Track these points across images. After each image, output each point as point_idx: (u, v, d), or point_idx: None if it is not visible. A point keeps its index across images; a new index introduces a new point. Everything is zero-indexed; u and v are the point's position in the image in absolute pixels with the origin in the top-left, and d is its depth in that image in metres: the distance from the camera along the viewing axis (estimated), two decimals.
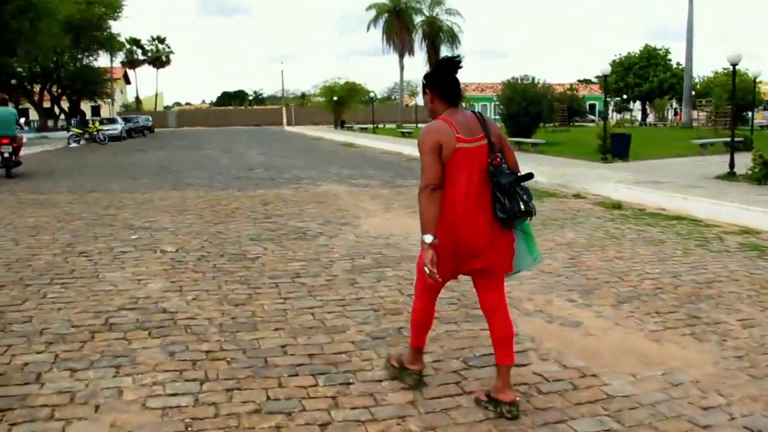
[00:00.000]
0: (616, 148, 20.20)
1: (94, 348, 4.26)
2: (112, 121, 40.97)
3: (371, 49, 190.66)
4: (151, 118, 55.37)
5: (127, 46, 58.96)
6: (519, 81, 29.91)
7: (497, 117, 30.01)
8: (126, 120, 44.03)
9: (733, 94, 14.74)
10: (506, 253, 3.42)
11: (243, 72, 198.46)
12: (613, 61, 70.75)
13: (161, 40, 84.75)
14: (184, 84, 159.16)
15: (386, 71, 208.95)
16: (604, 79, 22.19)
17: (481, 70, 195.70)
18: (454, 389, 3.71)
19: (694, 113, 48.25)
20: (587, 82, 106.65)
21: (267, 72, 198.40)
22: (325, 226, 8.86)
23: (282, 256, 7.07)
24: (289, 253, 7.18)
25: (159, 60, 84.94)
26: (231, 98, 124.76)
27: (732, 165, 13.88)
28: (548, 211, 10.17)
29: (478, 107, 24.40)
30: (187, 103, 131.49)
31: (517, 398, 3.46)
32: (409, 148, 24.12)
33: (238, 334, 4.57)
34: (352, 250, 7.36)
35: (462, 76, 3.40)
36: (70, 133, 33.43)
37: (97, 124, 35.27)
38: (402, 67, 57.03)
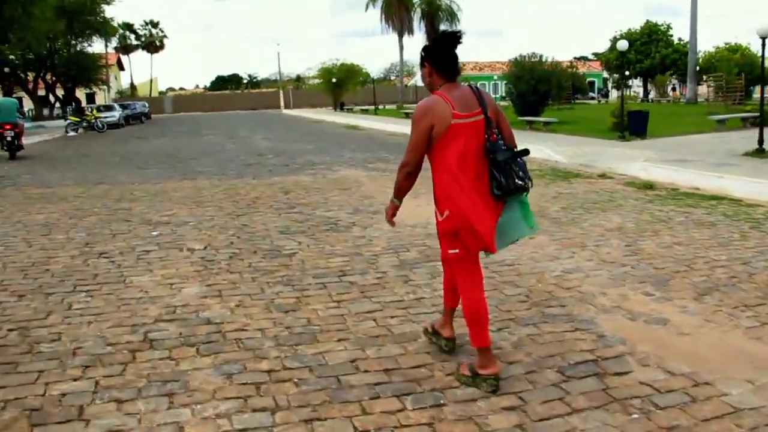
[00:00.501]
0: (633, 125, 19.63)
1: (138, 371, 3.70)
2: (109, 108, 40.16)
3: (365, 30, 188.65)
4: (147, 105, 54.50)
5: (120, 31, 57.64)
6: (527, 59, 29.20)
7: (498, 96, 29.50)
8: (123, 107, 43.18)
9: (762, 67, 14.14)
10: (493, 223, 3.40)
11: (236, 55, 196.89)
12: (614, 37, 69.87)
13: (155, 25, 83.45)
14: (177, 69, 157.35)
15: (381, 52, 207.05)
16: (621, 55, 21.48)
17: (477, 49, 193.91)
18: (560, 407, 3.22)
19: (699, 89, 47.64)
20: (584, 59, 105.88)
21: (260, 55, 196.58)
22: (355, 216, 8.32)
23: (320, 251, 6.52)
24: (327, 248, 6.64)
25: (153, 45, 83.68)
26: (225, 82, 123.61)
27: (761, 141, 13.38)
28: (581, 193, 9.72)
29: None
30: (181, 88, 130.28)
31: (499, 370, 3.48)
32: (406, 128, 23.44)
33: (297, 347, 4.02)
34: (394, 242, 6.83)
35: (460, 54, 3.32)
36: (68, 121, 32.68)
37: (95, 111, 34.48)
38: (401, 47, 56.15)
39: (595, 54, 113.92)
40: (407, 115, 37.00)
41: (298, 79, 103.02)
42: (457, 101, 3.23)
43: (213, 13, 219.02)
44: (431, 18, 55.95)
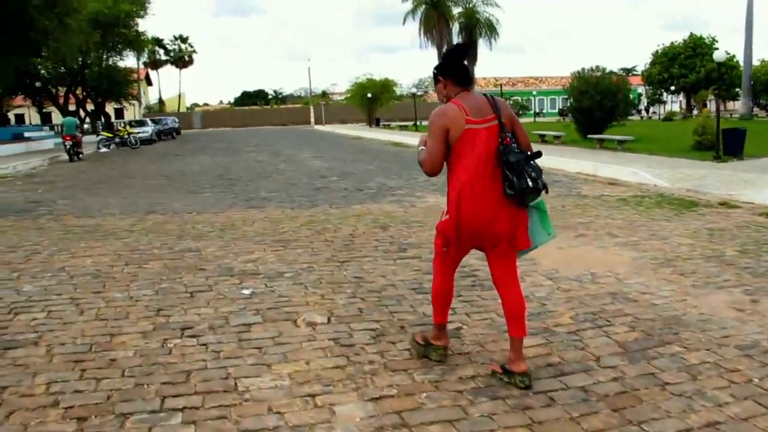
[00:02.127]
0: (728, 144, 17.44)
1: None
2: (141, 123, 38.71)
3: (389, 46, 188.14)
4: (177, 120, 53.19)
5: (150, 45, 56.41)
6: (590, 72, 27.19)
7: (549, 111, 27.41)
8: (155, 122, 41.74)
9: None
10: (520, 228, 3.52)
11: (260, 71, 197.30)
12: (656, 51, 67.59)
13: (184, 40, 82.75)
14: (202, 84, 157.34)
15: (405, 67, 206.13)
16: (717, 67, 19.26)
17: (501, 65, 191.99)
18: None
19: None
20: (612, 73, 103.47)
21: (285, 71, 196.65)
22: None
23: (487, 324, 4.59)
24: (495, 318, 4.65)
25: (182, 60, 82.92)
26: (251, 98, 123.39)
27: None
28: (733, 228, 7.86)
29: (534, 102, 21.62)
30: (205, 104, 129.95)
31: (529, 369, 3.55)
32: None
33: None
34: (573, 306, 5.00)
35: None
36: (100, 137, 31.12)
37: (128, 127, 32.91)
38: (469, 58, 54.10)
39: (624, 69, 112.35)
40: None
41: (324, 94, 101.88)
42: (470, 108, 3.38)
43: (237, 29, 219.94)
44: (470, 31, 54.08)
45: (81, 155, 24.12)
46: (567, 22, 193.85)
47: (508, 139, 3.41)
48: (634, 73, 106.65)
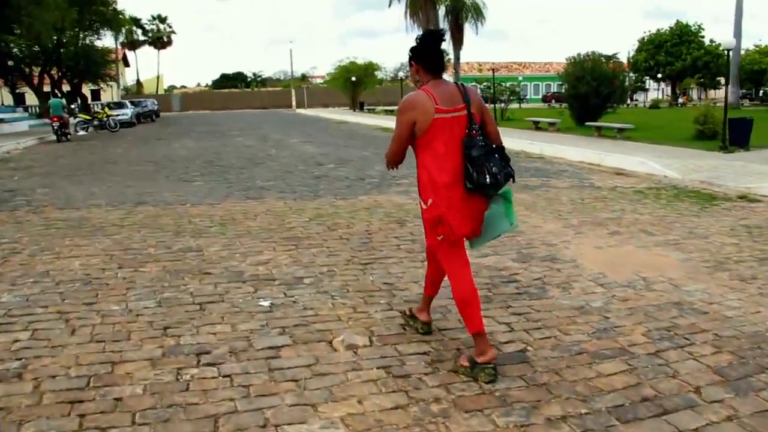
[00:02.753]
0: (735, 134, 16.90)
1: None
2: (120, 105, 37.43)
3: (369, 31, 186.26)
4: (157, 102, 51.78)
5: (128, 25, 54.57)
6: (585, 58, 26.54)
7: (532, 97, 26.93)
8: (133, 104, 40.39)
9: None
10: (476, 219, 3.53)
11: (239, 54, 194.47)
12: (642, 38, 67.13)
13: (162, 20, 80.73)
14: (180, 67, 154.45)
15: (386, 52, 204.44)
16: (727, 54, 18.67)
17: (484, 51, 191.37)
18: None
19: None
20: (607, 58, 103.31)
21: (263, 54, 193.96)
22: (530, 265, 5.78)
23: (554, 343, 3.94)
24: (561, 336, 4.04)
25: (160, 40, 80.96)
26: (229, 80, 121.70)
27: None
28: (749, 226, 7.30)
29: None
30: (182, 86, 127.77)
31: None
32: None
33: None
34: (640, 319, 4.41)
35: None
36: (78, 119, 29.84)
37: (107, 109, 31.66)
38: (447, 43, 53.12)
39: (605, 56, 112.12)
40: None
41: (304, 78, 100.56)
42: (440, 96, 3.36)
43: (215, 12, 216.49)
44: (456, 15, 53.17)
45: (69, 135, 24.92)
46: (548, 8, 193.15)
47: (474, 131, 3.40)
48: (615, 59, 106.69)
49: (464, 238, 3.62)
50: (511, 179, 3.45)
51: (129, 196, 9.75)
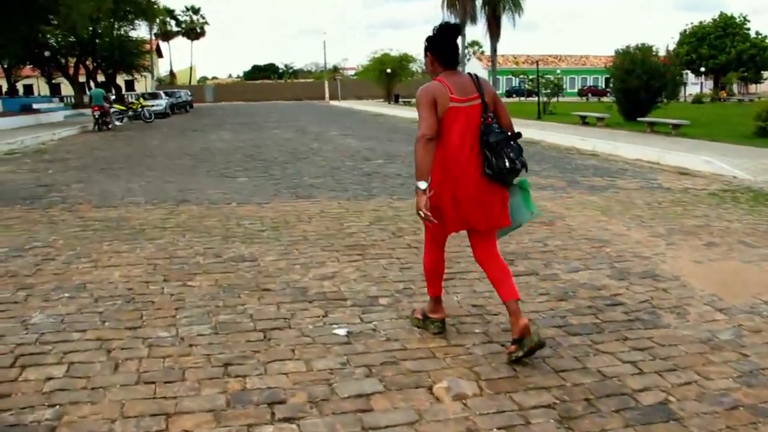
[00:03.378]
0: None
1: None
2: (154, 96, 37.03)
3: (399, 22, 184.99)
4: (190, 93, 51.50)
5: (163, 15, 54.31)
6: (635, 50, 25.34)
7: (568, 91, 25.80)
8: (167, 95, 40.03)
9: None
10: (501, 207, 3.55)
11: (269, 45, 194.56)
12: (684, 31, 65.21)
13: (196, 11, 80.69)
14: (211, 57, 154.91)
15: (416, 43, 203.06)
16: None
17: (514, 43, 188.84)
18: None
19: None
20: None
21: (293, 45, 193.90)
22: (634, 285, 4.98)
23: (699, 390, 3.18)
24: (704, 382, 3.29)
25: (194, 31, 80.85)
26: (261, 71, 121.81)
27: None
28: None
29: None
30: (213, 77, 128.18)
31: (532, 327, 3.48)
32: (523, 130, 19.80)
33: None
34: None
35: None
36: (113, 109, 29.42)
37: (141, 99, 31.26)
38: (463, 36, 52.03)
39: (638, 49, 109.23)
40: None
41: (335, 69, 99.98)
42: (454, 86, 3.41)
43: (245, 3, 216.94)
44: (494, 6, 51.88)
45: (110, 125, 25.12)
46: (581, 1, 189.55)
47: (489, 119, 3.46)
48: (667, 52, 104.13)
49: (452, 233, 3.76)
50: (525, 168, 3.50)
51: (170, 193, 9.06)
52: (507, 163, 3.38)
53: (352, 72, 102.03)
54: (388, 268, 5.33)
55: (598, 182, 10.10)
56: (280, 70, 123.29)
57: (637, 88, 23.32)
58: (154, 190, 9.32)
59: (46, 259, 5.67)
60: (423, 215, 3.35)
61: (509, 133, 3.47)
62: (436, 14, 53.25)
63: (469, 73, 3.56)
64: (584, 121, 24.32)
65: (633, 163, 12.62)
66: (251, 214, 7.59)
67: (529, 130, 20.00)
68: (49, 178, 10.72)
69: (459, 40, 3.62)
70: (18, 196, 8.98)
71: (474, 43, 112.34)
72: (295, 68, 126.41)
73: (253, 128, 24.36)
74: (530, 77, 42.51)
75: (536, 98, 30.10)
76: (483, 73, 53.03)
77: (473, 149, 3.43)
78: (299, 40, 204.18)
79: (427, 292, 3.98)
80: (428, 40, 3.56)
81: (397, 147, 15.95)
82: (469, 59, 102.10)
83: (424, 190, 3.36)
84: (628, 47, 25.98)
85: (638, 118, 22.12)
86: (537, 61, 34.54)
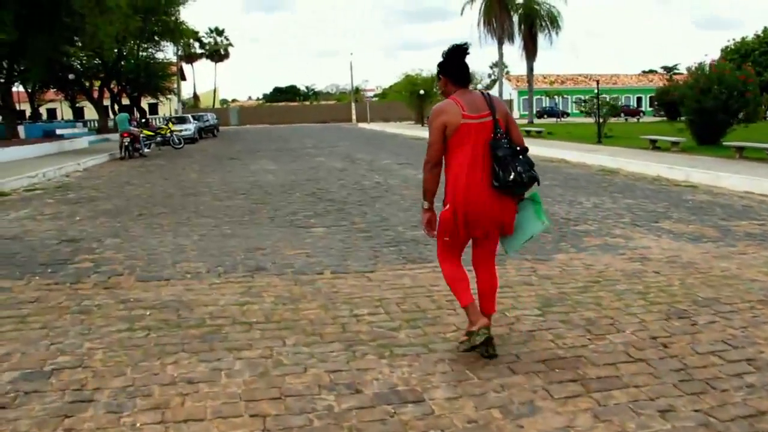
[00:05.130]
0: None
1: None
2: (182, 120, 35.15)
3: (417, 44, 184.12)
4: (216, 117, 49.75)
5: (192, 35, 52.64)
6: (711, 67, 23.02)
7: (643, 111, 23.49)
8: (195, 118, 38.17)
9: None
10: (508, 217, 3.79)
11: (288, 67, 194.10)
12: (726, 47, 62.49)
13: (220, 33, 79.46)
14: (231, 80, 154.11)
15: (433, 64, 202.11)
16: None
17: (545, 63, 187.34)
18: None
19: None
20: (652, 72, 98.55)
21: (312, 67, 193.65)
22: None
23: None
24: None
25: (217, 53, 79.55)
26: (282, 93, 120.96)
27: None
28: None
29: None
30: (233, 99, 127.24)
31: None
32: (580, 155, 17.49)
33: None
34: None
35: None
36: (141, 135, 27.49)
37: (171, 124, 29.33)
38: (501, 55, 50.07)
39: (665, 67, 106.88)
40: (538, 134, 30.96)
41: (357, 91, 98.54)
42: (467, 104, 3.64)
43: (262, 25, 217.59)
44: (530, 24, 49.88)
45: (141, 152, 23.63)
46: (596, 19, 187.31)
47: (500, 135, 3.66)
48: (677, 71, 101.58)
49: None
50: (536, 182, 3.68)
51: (236, 255, 6.82)
52: (512, 176, 3.57)
53: (372, 94, 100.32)
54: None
55: (749, 227, 7.86)
56: (302, 92, 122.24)
57: (713, 108, 20.98)
58: (214, 250, 7.08)
59: (78, 401, 3.43)
60: (426, 232, 3.91)
61: (518, 148, 3.68)
62: (472, 33, 51.29)
63: (481, 92, 3.82)
64: (654, 146, 21.98)
65: (750, 198, 10.38)
66: (362, 294, 5.33)
67: (597, 157, 17.73)
68: (76, 229, 8.52)
69: (467, 59, 3.77)
70: (37, 259, 6.77)
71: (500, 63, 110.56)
72: (316, 90, 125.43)
73: (294, 155, 22.23)
74: (577, 97, 40.19)
75: (578, 119, 27.90)
76: (513, 94, 50.60)
77: (484, 163, 3.64)
78: (317, 61, 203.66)
79: (459, 305, 3.96)
80: (440, 64, 3.79)
81: None
82: (495, 80, 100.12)
83: (427, 209, 3.84)
84: (701, 64, 23.72)
85: (723, 142, 19.82)
86: (597, 81, 32.14)
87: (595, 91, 51.71)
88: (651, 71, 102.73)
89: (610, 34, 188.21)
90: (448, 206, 3.70)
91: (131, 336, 4.43)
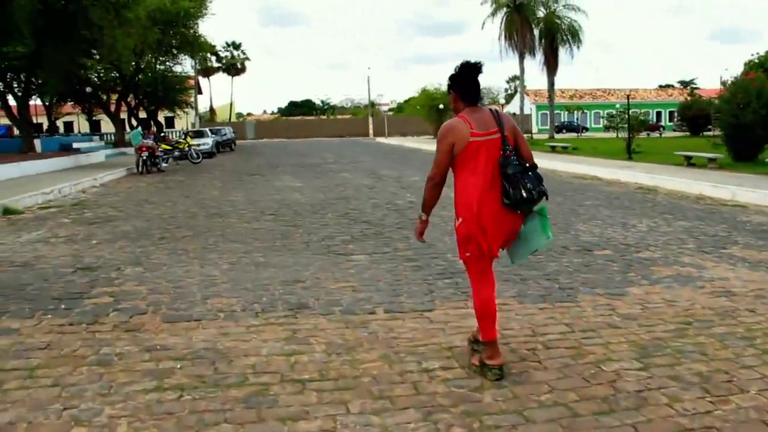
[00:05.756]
0: None
1: None
2: (200, 134, 34.59)
3: (428, 57, 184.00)
4: (233, 130, 49.27)
5: (210, 48, 52.22)
6: (750, 80, 22.10)
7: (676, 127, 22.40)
8: (213, 132, 37.62)
9: None
10: (512, 235, 3.87)
11: (301, 81, 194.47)
12: (749, 61, 61.47)
13: (236, 46, 79.32)
14: (246, 94, 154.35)
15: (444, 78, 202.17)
16: None
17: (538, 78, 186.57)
18: None
19: None
20: (669, 86, 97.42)
21: (325, 80, 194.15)
22: None
23: None
24: None
25: (234, 67, 79.33)
26: (297, 107, 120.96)
27: None
28: None
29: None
30: (248, 113, 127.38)
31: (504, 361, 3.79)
32: (613, 172, 16.62)
33: None
34: None
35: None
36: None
37: (189, 138, 28.74)
38: (522, 70, 49.22)
39: (682, 82, 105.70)
40: (565, 149, 30.09)
41: (372, 105, 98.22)
42: (475, 122, 3.68)
43: (280, 40, 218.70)
44: (552, 38, 49.06)
45: (159, 167, 22.95)
46: (607, 31, 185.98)
47: (509, 152, 3.69)
48: (694, 85, 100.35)
49: (494, 258, 3.86)
50: (545, 197, 3.71)
51: (273, 289, 6.02)
52: (524, 194, 3.62)
53: (386, 108, 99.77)
54: None
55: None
56: (317, 106, 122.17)
57: (751, 123, 20.07)
58: (247, 282, 6.29)
59: None
60: (418, 239, 4.07)
61: (527, 165, 3.70)
62: (485, 47, 50.51)
63: (490, 109, 3.79)
64: (689, 162, 21.07)
65: None
66: (426, 340, 4.55)
67: (631, 173, 16.84)
68: (93, 255, 7.76)
69: (480, 78, 3.77)
70: (50, 292, 6.00)
71: (516, 78, 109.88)
72: (331, 104, 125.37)
73: (317, 171, 21.50)
74: (607, 112, 39.40)
75: (598, 134, 26.99)
76: (532, 109, 49.59)
77: (494, 180, 3.67)
78: (331, 74, 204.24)
79: (481, 337, 3.93)
80: (451, 78, 3.80)
81: None
82: (512, 94, 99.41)
83: (424, 221, 3.97)
84: (737, 78, 22.85)
85: (764, 159, 18.94)
86: (628, 96, 31.26)
87: (617, 106, 50.67)
88: (668, 86, 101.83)
89: (625, 48, 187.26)
90: (461, 220, 3.75)
91: (161, 399, 3.64)
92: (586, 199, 12.71)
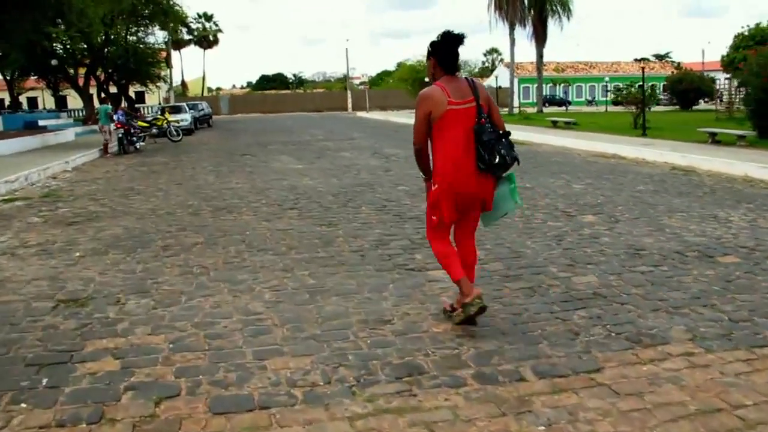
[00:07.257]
0: None
1: None
2: (177, 109, 32.20)
3: (399, 32, 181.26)
4: (209, 105, 46.70)
5: (185, 18, 48.99)
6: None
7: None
8: (189, 107, 35.17)
9: None
10: (489, 195, 4.02)
11: (273, 55, 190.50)
12: (739, 34, 60.21)
13: (208, 18, 76.01)
14: (215, 67, 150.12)
15: (420, 53, 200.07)
16: None
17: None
18: None
19: None
20: (645, 60, 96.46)
21: (296, 55, 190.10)
22: None
23: None
24: None
25: (206, 39, 76.07)
26: (269, 81, 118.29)
27: None
28: None
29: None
30: (218, 88, 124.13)
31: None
32: (636, 150, 14.97)
33: None
34: None
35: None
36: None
37: (167, 114, 26.39)
38: (513, 41, 47.32)
39: (657, 56, 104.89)
40: (568, 125, 28.42)
41: (346, 79, 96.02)
42: (452, 90, 3.82)
43: (247, 13, 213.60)
44: (540, 9, 47.28)
45: (138, 145, 21.44)
46: (581, 6, 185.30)
47: (483, 119, 3.83)
48: (668, 59, 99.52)
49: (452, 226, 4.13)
50: (516, 162, 3.89)
51: (354, 337, 4.14)
52: (498, 159, 3.78)
53: (358, 82, 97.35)
54: None
55: None
56: (290, 81, 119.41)
57: None
58: (311, 324, 4.37)
59: None
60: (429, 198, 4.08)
61: (500, 132, 3.87)
62: (483, 17, 48.31)
63: (466, 78, 3.92)
64: (714, 139, 19.54)
65: None
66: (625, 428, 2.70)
67: (657, 152, 15.20)
68: (77, 276, 5.72)
69: (460, 49, 3.87)
70: (19, 353, 4.01)
71: (493, 51, 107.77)
72: (303, 78, 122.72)
73: (313, 150, 19.47)
74: (614, 85, 37.81)
75: (581, 108, 25.31)
76: (515, 82, 47.36)
77: (469, 146, 3.82)
78: (303, 49, 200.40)
79: (451, 279, 4.11)
80: (432, 44, 3.90)
81: (551, 183, 11.02)
82: (488, 68, 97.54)
83: (428, 181, 4.09)
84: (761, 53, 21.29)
85: None
86: (643, 68, 29.55)
87: (606, 79, 48.90)
88: (644, 59, 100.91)
89: (600, 21, 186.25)
90: (436, 186, 3.93)
91: None
92: (632, 183, 10.99)
